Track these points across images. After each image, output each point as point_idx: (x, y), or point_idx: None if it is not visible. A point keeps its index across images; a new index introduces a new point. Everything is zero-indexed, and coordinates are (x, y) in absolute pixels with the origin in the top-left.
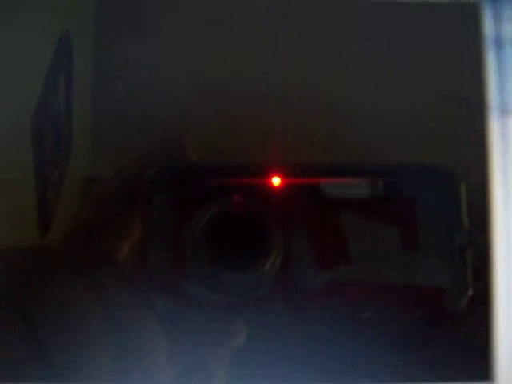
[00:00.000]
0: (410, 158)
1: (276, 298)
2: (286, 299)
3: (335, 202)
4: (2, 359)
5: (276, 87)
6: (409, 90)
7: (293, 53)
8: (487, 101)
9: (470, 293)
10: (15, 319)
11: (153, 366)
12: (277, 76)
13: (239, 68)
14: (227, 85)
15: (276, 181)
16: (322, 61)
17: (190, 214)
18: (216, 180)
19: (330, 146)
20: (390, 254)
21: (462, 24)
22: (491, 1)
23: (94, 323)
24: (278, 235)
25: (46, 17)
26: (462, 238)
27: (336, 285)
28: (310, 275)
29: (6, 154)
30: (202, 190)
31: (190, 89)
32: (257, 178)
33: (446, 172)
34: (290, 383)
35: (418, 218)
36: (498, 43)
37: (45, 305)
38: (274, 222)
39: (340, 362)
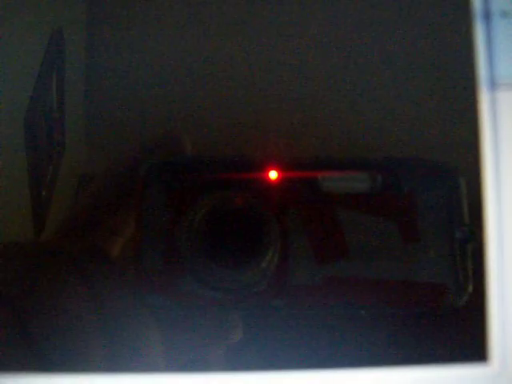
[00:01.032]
0: (409, 151)
1: (273, 294)
2: (284, 296)
3: (333, 196)
4: None
5: (273, 82)
6: (407, 84)
7: (290, 47)
8: (477, 74)
9: (470, 289)
10: (8, 315)
11: (150, 363)
12: (273, 71)
13: (235, 63)
14: (223, 80)
15: (273, 175)
16: (319, 55)
17: (185, 209)
18: (212, 175)
19: (328, 140)
20: (390, 250)
21: None
22: None
23: (88, 320)
24: (275, 230)
25: (38, 14)
26: (462, 233)
27: (334, 281)
28: (308, 271)
29: None
30: (197, 184)
31: (185, 84)
32: (253, 172)
33: (445, 166)
34: (288, 379)
35: (418, 212)
36: (487, 16)
37: (38, 301)
38: (271, 217)
39: (338, 359)
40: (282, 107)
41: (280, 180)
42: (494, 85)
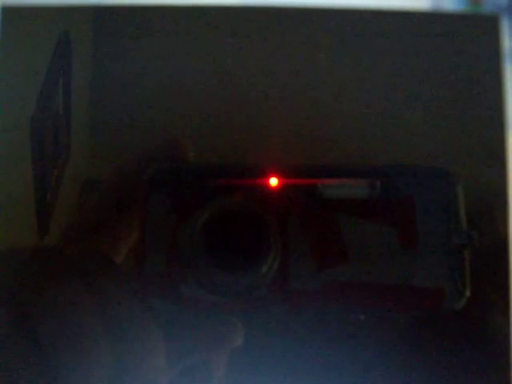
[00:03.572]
0: (407, 158)
1: (274, 299)
2: (284, 300)
3: (333, 202)
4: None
5: (274, 89)
6: (409, 92)
7: (292, 54)
8: (504, 112)
9: (467, 293)
10: (14, 320)
11: (152, 367)
12: (275, 78)
13: (237, 70)
14: (226, 86)
15: (274, 181)
16: (321, 63)
17: (187, 215)
18: (214, 181)
19: (328, 147)
20: (388, 255)
21: (480, 36)
22: (510, 14)
23: (92, 324)
24: (276, 236)
25: (45, 18)
26: (459, 238)
27: (334, 286)
28: (308, 276)
29: (5, 155)
30: (199, 190)
31: (188, 90)
32: (254, 178)
33: (443, 173)
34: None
35: (416, 218)
36: None
37: (43, 306)
38: (272, 223)
39: (337, 363)
40: (284, 114)
41: (281, 186)
42: None
